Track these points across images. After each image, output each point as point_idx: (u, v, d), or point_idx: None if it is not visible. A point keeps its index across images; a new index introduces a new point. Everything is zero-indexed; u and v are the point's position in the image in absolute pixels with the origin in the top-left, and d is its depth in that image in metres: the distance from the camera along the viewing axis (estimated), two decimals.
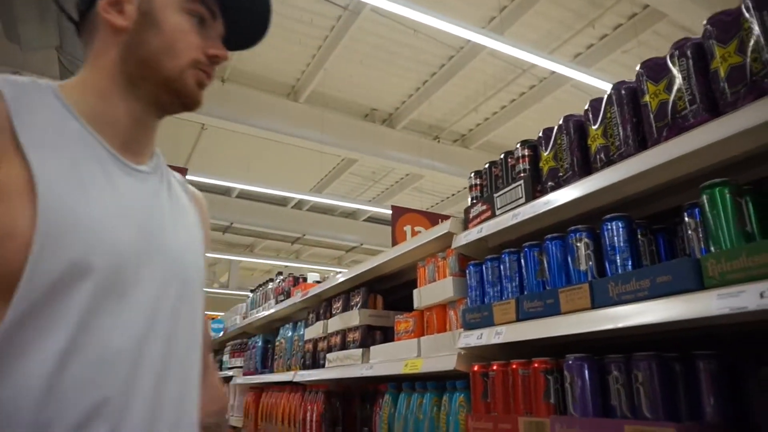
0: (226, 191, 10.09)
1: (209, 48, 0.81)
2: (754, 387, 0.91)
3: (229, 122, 7.07)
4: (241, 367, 3.70)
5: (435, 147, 8.54)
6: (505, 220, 1.36)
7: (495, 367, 1.33)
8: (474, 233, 1.46)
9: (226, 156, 9.20)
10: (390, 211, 8.15)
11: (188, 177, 6.73)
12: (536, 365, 1.23)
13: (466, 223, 1.55)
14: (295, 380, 2.52)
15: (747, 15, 0.87)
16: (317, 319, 2.49)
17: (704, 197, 0.92)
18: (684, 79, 0.97)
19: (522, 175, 1.35)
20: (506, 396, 1.28)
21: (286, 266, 13.55)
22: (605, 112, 1.15)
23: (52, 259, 0.61)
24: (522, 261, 1.33)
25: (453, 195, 11.06)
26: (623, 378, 1.05)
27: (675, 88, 0.99)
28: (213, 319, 4.72)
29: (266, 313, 3.26)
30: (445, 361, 1.47)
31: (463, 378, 1.45)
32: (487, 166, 1.54)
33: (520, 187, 1.35)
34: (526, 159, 1.36)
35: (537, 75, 6.93)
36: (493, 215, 1.43)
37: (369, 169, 9.92)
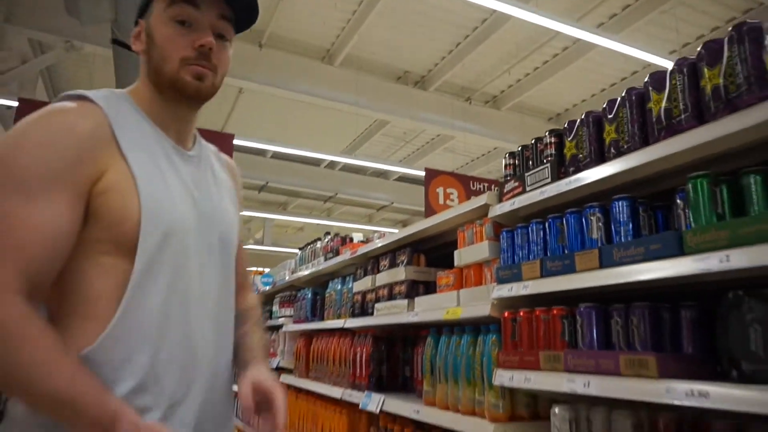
0: (261, 152, 10.45)
1: (195, 42, 0.92)
2: (721, 328, 1.21)
3: (266, 86, 7.34)
4: (290, 316, 4.13)
5: (467, 108, 8.68)
6: (533, 196, 1.66)
7: (522, 314, 1.66)
8: (507, 205, 1.77)
9: (262, 118, 9.52)
10: (420, 172, 8.42)
11: (227, 131, 7.05)
12: (555, 312, 1.55)
13: (500, 197, 1.85)
14: (345, 326, 2.90)
15: (727, 46, 1.13)
16: (365, 275, 2.85)
17: (689, 185, 1.21)
18: (680, 91, 1.23)
19: (549, 158, 1.64)
20: (530, 336, 1.62)
21: (318, 224, 14.05)
22: (618, 111, 1.42)
23: (153, 231, 0.86)
24: (546, 229, 1.63)
25: (483, 155, 11.20)
26: (622, 321, 1.37)
27: (673, 97, 1.25)
28: (261, 274, 5.16)
29: (315, 269, 3.65)
30: (481, 309, 1.80)
31: (495, 323, 1.78)
32: (519, 149, 1.82)
33: (547, 168, 1.64)
34: (553, 146, 1.64)
35: (568, 38, 6.96)
36: (524, 191, 1.72)
37: (401, 130, 10.12)
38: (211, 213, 0.98)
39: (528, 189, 1.71)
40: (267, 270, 5.21)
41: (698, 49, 1.20)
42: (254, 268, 10.90)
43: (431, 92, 8.42)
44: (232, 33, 1.00)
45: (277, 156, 10.71)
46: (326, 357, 3.21)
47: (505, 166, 1.86)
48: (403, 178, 12.19)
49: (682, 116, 1.23)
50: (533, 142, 1.75)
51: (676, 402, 1.13)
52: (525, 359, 1.58)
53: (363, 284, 2.83)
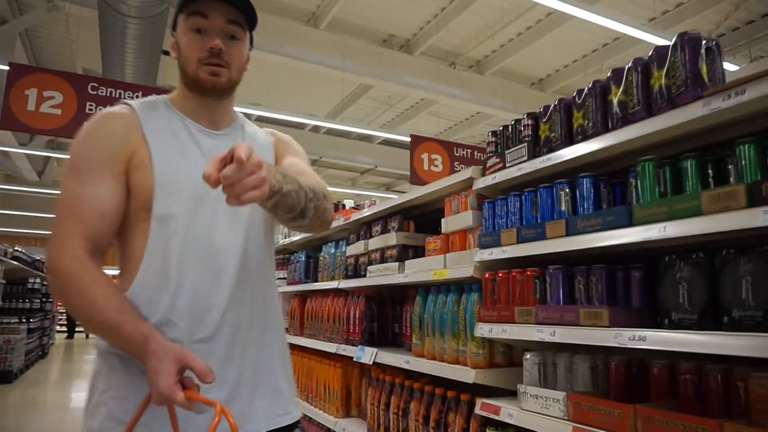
0: (245, 115, 10.43)
1: (206, 45, 1.10)
2: (659, 286, 1.47)
3: (254, 49, 7.34)
4: (284, 278, 4.37)
5: (451, 73, 8.76)
6: (512, 172, 1.89)
7: (500, 275, 1.91)
8: (489, 179, 1.99)
9: (245, 82, 9.46)
10: (404, 138, 8.59)
11: None
12: (528, 273, 1.80)
13: (484, 171, 2.07)
14: (339, 287, 3.15)
15: (672, 52, 1.34)
16: (358, 239, 3.08)
17: (639, 167, 1.44)
18: (635, 87, 1.45)
19: (526, 139, 1.86)
20: (507, 294, 1.87)
21: None
22: (585, 100, 1.64)
23: (164, 194, 1.06)
24: (522, 201, 1.87)
25: (466, 119, 11.35)
26: (584, 281, 1.63)
27: (629, 92, 1.47)
28: None
29: (311, 234, 3.86)
30: (465, 271, 2.05)
31: (477, 283, 2.03)
32: (500, 129, 2.03)
33: (524, 147, 1.86)
34: (530, 127, 1.86)
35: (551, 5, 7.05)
36: (504, 167, 1.95)
37: (385, 94, 10.19)
38: None
39: (507, 165, 1.93)
40: None
41: (652, 51, 1.41)
42: None
43: (416, 56, 8.48)
44: (243, 32, 1.16)
45: (261, 119, 10.73)
46: (321, 315, 3.47)
47: (488, 143, 2.07)
48: (387, 142, 12.31)
49: (636, 108, 1.45)
50: (513, 123, 1.96)
51: (622, 346, 1.40)
52: (502, 314, 1.84)
53: (356, 248, 3.06)
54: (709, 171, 1.37)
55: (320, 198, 1.12)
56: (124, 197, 1.07)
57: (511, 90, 9.12)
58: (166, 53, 1.29)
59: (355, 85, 9.52)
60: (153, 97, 1.19)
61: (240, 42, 1.16)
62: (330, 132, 11.73)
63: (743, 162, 1.27)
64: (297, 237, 4.15)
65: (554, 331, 1.62)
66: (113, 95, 4.90)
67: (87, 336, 17.10)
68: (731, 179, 1.31)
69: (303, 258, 3.95)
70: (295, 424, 1.21)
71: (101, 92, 4.85)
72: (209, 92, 1.15)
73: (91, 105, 4.79)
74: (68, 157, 1.09)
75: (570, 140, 1.70)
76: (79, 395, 7.03)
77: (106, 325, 0.98)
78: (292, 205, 1.02)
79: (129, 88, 5.01)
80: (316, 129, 11.62)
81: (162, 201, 1.06)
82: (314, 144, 11.67)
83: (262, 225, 1.20)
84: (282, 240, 4.48)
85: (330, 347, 3.22)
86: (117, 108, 1.13)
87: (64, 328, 16.97)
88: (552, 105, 1.77)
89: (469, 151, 7.00)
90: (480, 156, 7.17)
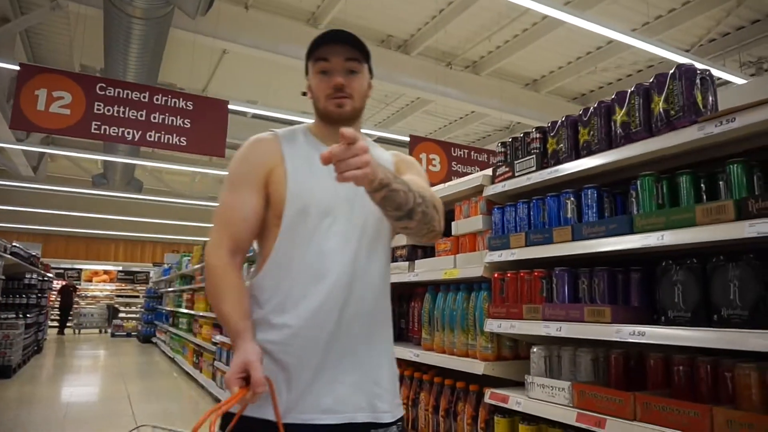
0: (241, 111, 10.52)
1: (331, 84, 1.29)
2: (656, 287, 1.64)
3: (251, 48, 7.44)
4: None
5: (447, 73, 8.91)
6: (521, 181, 2.05)
7: (509, 275, 2.08)
8: (499, 187, 2.16)
9: (244, 80, 9.59)
10: (400, 137, 8.73)
11: (209, 95, 7.15)
12: (536, 274, 1.97)
13: (493, 179, 2.23)
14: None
15: (670, 80, 1.51)
16: None
17: (639, 181, 1.61)
18: (637, 110, 1.62)
19: (535, 151, 2.02)
20: (515, 292, 2.04)
21: None
22: (590, 118, 1.80)
23: (292, 207, 1.24)
24: (530, 208, 2.03)
25: (461, 118, 11.50)
26: (587, 282, 1.80)
27: (631, 114, 1.64)
28: None
29: None
30: (475, 271, 2.22)
31: (486, 282, 2.20)
32: (510, 140, 2.20)
33: (533, 158, 2.02)
34: (538, 140, 2.03)
35: (544, 11, 7.22)
36: (513, 176, 2.11)
37: (381, 92, 10.32)
38: (356, 194, 1.23)
39: (516, 174, 2.10)
40: None
41: (652, 78, 1.58)
42: None
43: (413, 57, 8.62)
44: (360, 65, 1.31)
45: (258, 116, 10.80)
46: None
47: (498, 153, 2.23)
48: (382, 140, 12.43)
49: (638, 129, 1.62)
50: (522, 135, 2.13)
51: (623, 340, 1.57)
52: (511, 311, 2.01)
53: None
54: (702, 186, 1.54)
55: (429, 205, 1.21)
56: (263, 206, 1.28)
57: (506, 90, 9.29)
58: (305, 94, 1.49)
59: None
60: (295, 126, 1.40)
61: (359, 74, 1.31)
62: None
63: (733, 179, 1.45)
64: None
65: (560, 327, 1.79)
66: (120, 95, 5.00)
67: (75, 332, 17.08)
68: (722, 194, 1.48)
69: None
70: (395, 423, 1.28)
71: (109, 92, 4.95)
72: (338, 120, 1.30)
73: (99, 105, 4.89)
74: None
75: (576, 154, 1.87)
76: (77, 390, 7.13)
77: (221, 314, 1.20)
78: (400, 204, 1.11)
79: (136, 88, 5.10)
80: None
81: (291, 211, 1.24)
82: None
83: (375, 235, 1.31)
84: None
85: None
86: (264, 135, 1.35)
87: (56, 323, 16.97)
88: (559, 121, 1.93)
89: (466, 151, 7.16)
90: (476, 156, 7.34)
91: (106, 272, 20.03)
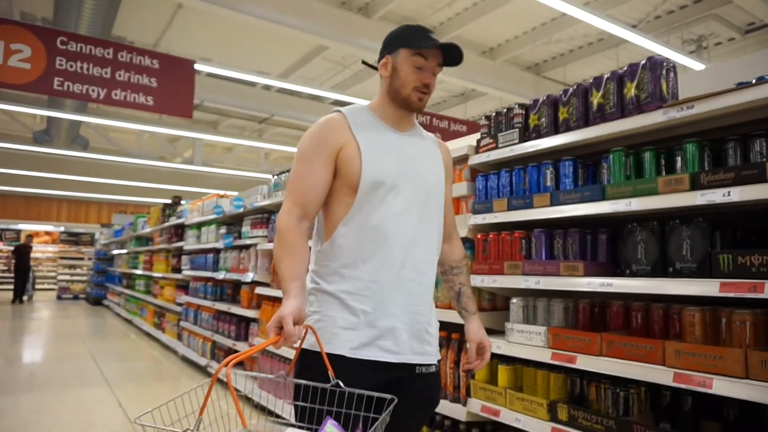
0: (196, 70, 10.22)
1: (422, 80, 1.43)
2: (622, 246, 1.94)
3: (208, 4, 7.24)
4: (264, 236, 4.65)
5: None
6: (504, 152, 2.30)
7: (491, 236, 2.34)
8: (483, 157, 2.40)
9: (199, 36, 9.32)
10: (356, 99, 8.83)
11: (160, 50, 6.94)
12: (516, 235, 2.24)
13: (477, 149, 2.47)
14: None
15: (641, 70, 1.77)
16: None
17: (611, 155, 1.89)
18: (611, 93, 1.88)
19: (518, 125, 2.26)
20: (497, 251, 2.31)
21: (251, 145, 14.11)
22: (570, 99, 2.05)
23: (367, 180, 1.38)
24: (513, 176, 2.29)
25: None
26: (562, 242, 2.08)
27: (607, 97, 1.90)
28: (232, 198, 5.55)
29: None
30: (460, 232, 2.46)
31: (470, 242, 2.46)
32: (494, 114, 2.42)
33: (516, 132, 2.27)
34: (521, 115, 2.27)
35: None
36: (497, 147, 2.35)
37: (340, 55, 10.29)
38: (416, 171, 1.46)
39: (500, 146, 2.34)
40: (235, 194, 5.61)
41: (624, 68, 1.83)
42: (212, 190, 10.90)
43: (374, 20, 8.63)
44: (441, 70, 1.49)
45: (212, 74, 10.54)
46: None
47: (482, 125, 2.46)
48: (338, 102, 12.41)
49: (611, 110, 1.88)
50: (505, 110, 2.36)
51: (594, 290, 1.86)
52: (493, 267, 2.28)
53: None
54: (663, 161, 1.83)
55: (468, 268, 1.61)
56: (331, 177, 1.42)
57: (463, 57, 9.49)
58: (369, 65, 1.59)
59: (311, 45, 9.55)
60: (356, 106, 1.53)
61: (436, 78, 1.49)
62: (282, 91, 11.70)
63: (688, 156, 1.74)
64: (276, 199, 4.42)
65: (539, 281, 2.07)
66: (83, 51, 4.85)
67: (27, 299, 16.29)
68: (679, 168, 1.77)
69: None
70: (436, 364, 1.51)
71: (71, 47, 4.79)
72: (411, 110, 1.49)
73: (61, 60, 4.74)
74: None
75: (555, 129, 2.12)
76: (38, 351, 7.06)
77: (279, 272, 1.35)
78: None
79: (99, 44, 4.96)
80: (267, 87, 11.55)
81: (366, 184, 1.39)
82: (266, 102, 11.62)
83: (430, 205, 1.50)
84: (261, 201, 4.74)
85: None
86: (332, 115, 1.48)
87: (10, 288, 15.71)
88: (541, 99, 2.17)
89: (428, 117, 7.35)
90: (438, 123, 7.56)
91: (47, 233, 19.20)
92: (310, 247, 1.44)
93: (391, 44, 1.47)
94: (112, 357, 6.60)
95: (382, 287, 1.38)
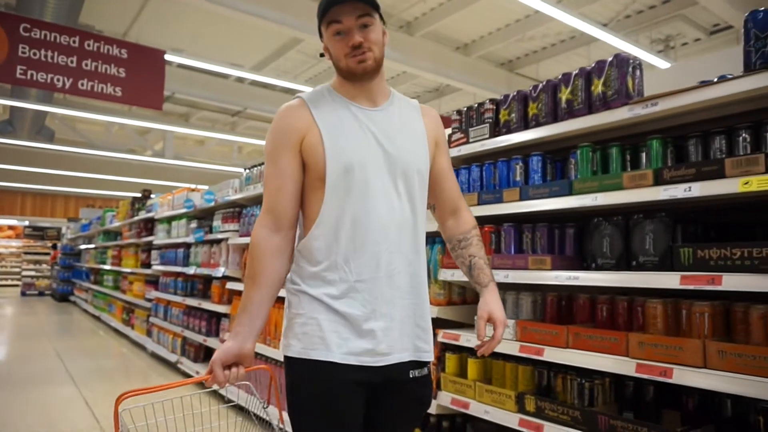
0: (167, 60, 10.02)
1: (348, 43, 1.28)
2: (588, 240, 1.98)
3: None
4: (236, 230, 4.60)
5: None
6: (475, 147, 2.31)
7: None
8: (454, 151, 2.41)
9: (170, 26, 9.13)
10: None
11: (129, 40, 6.78)
12: (486, 229, 2.26)
13: (449, 143, 2.48)
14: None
15: (608, 67, 1.80)
16: None
17: (578, 151, 1.91)
18: (580, 90, 1.90)
19: (488, 120, 2.28)
20: None
21: (223, 138, 13.91)
22: (539, 95, 2.07)
23: (335, 167, 1.26)
24: (483, 171, 2.30)
25: (392, 78, 11.61)
26: (530, 236, 2.11)
27: (575, 93, 1.92)
28: (204, 192, 5.46)
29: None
30: (430, 227, 2.47)
31: (440, 236, 2.47)
32: (465, 109, 2.44)
33: (486, 126, 2.28)
34: (491, 111, 2.28)
35: None
36: (468, 142, 2.37)
37: (314, 47, 10.20)
38: (390, 148, 1.32)
39: (471, 141, 2.35)
40: (206, 188, 5.52)
41: (591, 65, 1.86)
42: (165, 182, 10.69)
43: None
44: (372, 17, 1.30)
45: (183, 65, 10.34)
46: None
47: (453, 120, 2.47)
48: None
49: (579, 106, 1.91)
50: (476, 105, 2.37)
51: (560, 284, 1.90)
52: None
53: None
54: (628, 157, 1.87)
55: (480, 238, 1.50)
56: (300, 172, 1.31)
57: (438, 53, 9.51)
58: (322, 55, 1.48)
59: (285, 37, 9.45)
60: (318, 87, 1.40)
61: (372, 26, 1.30)
62: (255, 83, 11.55)
63: (652, 152, 1.78)
64: (248, 193, 4.37)
65: (507, 274, 2.10)
66: (48, 38, 4.70)
67: None
68: (643, 164, 1.81)
69: (257, 212, 4.20)
70: (429, 366, 1.38)
71: (35, 34, 4.63)
72: (362, 76, 1.32)
73: (24, 47, 4.58)
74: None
75: (525, 125, 2.14)
76: (1, 348, 6.85)
77: (243, 296, 1.29)
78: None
79: (65, 31, 4.81)
80: (240, 79, 11.39)
81: (333, 170, 1.26)
82: (239, 94, 11.46)
83: (417, 193, 1.35)
84: (233, 195, 4.67)
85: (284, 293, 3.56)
86: (291, 102, 1.36)
87: None
88: (511, 95, 2.19)
89: None
90: None
91: (11, 227, 18.60)
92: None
93: (318, 30, 1.37)
94: (78, 354, 6.45)
95: (369, 286, 1.28)
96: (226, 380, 1.23)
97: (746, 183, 1.46)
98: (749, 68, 1.54)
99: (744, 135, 1.63)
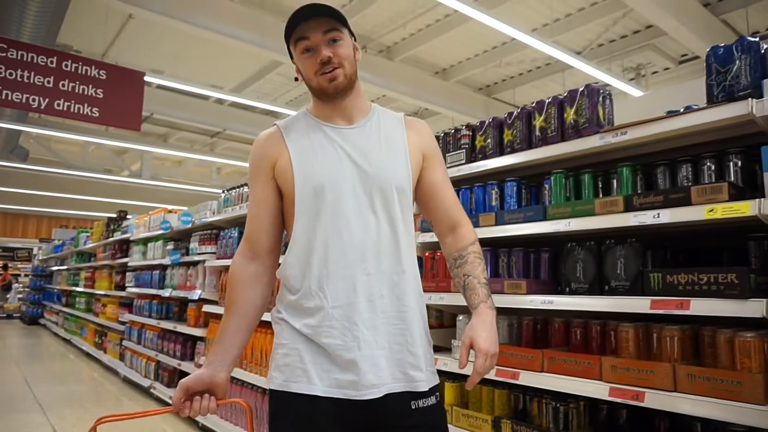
0: (146, 82, 9.99)
1: (317, 59, 1.24)
2: (562, 264, 2.01)
3: (160, 15, 7.11)
4: (213, 252, 4.55)
5: (362, 56, 9.09)
6: (451, 171, 2.35)
7: (439, 254, 2.37)
8: None
9: (150, 47, 9.13)
10: None
11: (108, 62, 6.76)
12: None
13: None
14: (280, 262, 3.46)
15: (579, 96, 1.86)
16: None
17: (552, 177, 1.96)
18: (552, 118, 1.96)
19: (465, 146, 2.32)
20: (445, 269, 2.35)
21: (202, 159, 13.82)
22: (514, 121, 2.13)
23: (303, 189, 1.23)
24: (460, 196, 2.34)
25: (372, 101, 11.71)
26: (506, 259, 2.14)
27: (548, 120, 1.98)
28: (182, 212, 5.40)
29: (243, 212, 4.10)
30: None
31: (419, 260, 2.48)
32: (442, 134, 2.48)
33: (463, 152, 2.32)
34: (468, 137, 2.33)
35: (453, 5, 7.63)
36: None
37: (294, 70, 10.29)
38: (365, 165, 1.26)
39: (448, 166, 2.39)
40: (184, 209, 5.47)
41: (564, 94, 1.92)
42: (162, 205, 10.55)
43: None
44: (341, 32, 1.27)
45: (163, 86, 10.30)
46: None
47: None
48: None
49: (553, 134, 1.96)
50: (452, 131, 2.42)
51: (535, 308, 1.92)
52: (440, 285, 2.31)
53: None
54: (600, 183, 1.92)
55: (480, 254, 1.39)
56: (274, 198, 1.29)
57: (416, 77, 9.66)
58: (296, 79, 1.46)
59: (266, 60, 9.51)
60: (296, 113, 1.38)
61: (341, 41, 1.27)
62: (235, 105, 11.56)
63: (623, 179, 1.83)
64: (232, 214, 4.34)
65: None
66: (25, 58, 4.67)
67: None
68: (614, 191, 1.86)
69: (235, 234, 4.17)
70: (433, 393, 1.26)
71: (11, 54, 4.59)
72: (335, 94, 1.28)
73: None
74: None
75: (501, 151, 2.19)
76: None
77: (220, 323, 1.29)
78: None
79: (42, 52, 4.78)
80: (221, 100, 11.39)
81: (301, 193, 1.23)
82: (219, 116, 11.46)
83: (397, 211, 1.27)
84: (210, 217, 4.64)
85: (265, 317, 3.52)
86: (268, 129, 1.36)
87: None
88: (487, 121, 2.24)
89: None
90: None
91: None
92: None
93: (288, 51, 1.35)
94: (47, 380, 6.24)
95: (346, 312, 1.20)
96: (197, 411, 1.20)
97: (711, 210, 1.51)
98: (711, 101, 1.61)
99: (709, 164, 1.70)
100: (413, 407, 1.20)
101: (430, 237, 2.39)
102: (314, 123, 1.31)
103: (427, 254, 2.43)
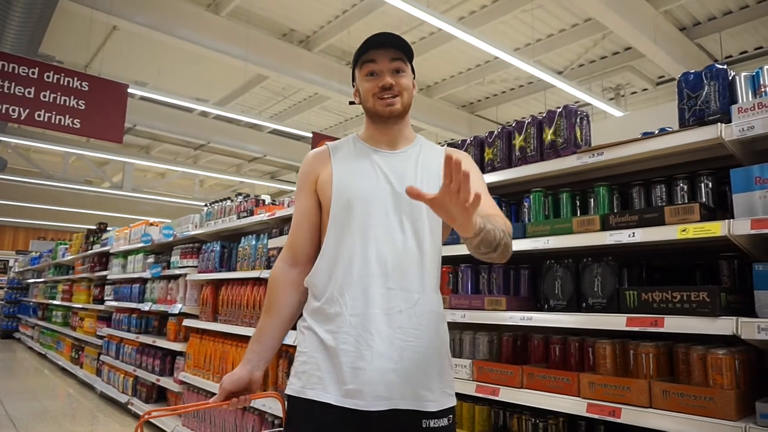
0: (129, 93, 9.93)
1: (378, 84, 1.32)
2: (541, 281, 2.04)
3: (145, 27, 7.11)
4: (194, 266, 4.51)
5: (346, 72, 9.17)
6: None
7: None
8: None
9: (134, 59, 9.09)
10: (296, 131, 8.87)
11: (91, 73, 6.75)
12: (444, 269, 2.31)
13: None
14: (261, 276, 3.45)
15: (557, 117, 1.91)
16: (281, 234, 3.40)
17: (531, 195, 2.00)
18: (531, 138, 2.00)
19: None
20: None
21: (185, 171, 13.71)
22: (494, 140, 2.17)
23: (339, 201, 1.31)
24: None
25: (357, 116, 11.83)
26: (487, 276, 2.16)
27: (528, 140, 2.02)
28: (163, 225, 5.35)
29: (227, 225, 4.08)
30: None
31: None
32: None
33: None
34: None
35: (438, 25, 7.76)
36: None
37: (279, 85, 10.30)
38: (401, 188, 1.31)
39: None
40: (167, 221, 5.42)
41: (543, 114, 1.97)
42: (147, 218, 10.44)
43: (315, 53, 8.75)
44: (405, 64, 1.36)
45: (146, 98, 10.25)
46: (238, 303, 3.73)
47: None
48: (277, 132, 12.37)
49: (532, 153, 2.01)
50: None
51: (515, 324, 1.95)
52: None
53: (279, 242, 3.38)
54: (578, 202, 1.96)
55: (508, 236, 1.26)
56: (315, 209, 1.39)
57: None
58: (352, 103, 1.52)
59: (251, 74, 9.53)
60: (347, 137, 1.46)
61: (404, 73, 1.35)
62: (219, 118, 11.53)
63: (599, 198, 1.88)
64: (214, 228, 4.31)
65: (464, 314, 2.14)
66: (5, 69, 4.62)
67: None
68: (591, 210, 1.91)
69: (218, 248, 4.15)
70: (445, 414, 1.28)
71: None
72: (387, 119, 1.36)
73: None
74: None
75: (481, 169, 2.23)
76: None
77: (258, 324, 1.39)
78: (491, 242, 1.16)
79: (24, 63, 4.74)
80: (205, 112, 11.36)
81: (336, 205, 1.32)
82: (203, 128, 11.42)
83: (426, 231, 1.32)
84: (192, 230, 4.60)
85: (249, 332, 3.50)
86: (318, 148, 1.45)
87: None
88: (468, 140, 2.29)
89: None
90: None
91: None
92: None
93: (352, 74, 1.44)
94: (20, 396, 6.08)
95: (362, 321, 1.24)
96: (235, 405, 1.31)
97: (684, 230, 1.56)
98: (683, 124, 1.67)
99: (681, 184, 1.75)
100: (424, 426, 1.23)
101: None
102: (361, 146, 1.41)
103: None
